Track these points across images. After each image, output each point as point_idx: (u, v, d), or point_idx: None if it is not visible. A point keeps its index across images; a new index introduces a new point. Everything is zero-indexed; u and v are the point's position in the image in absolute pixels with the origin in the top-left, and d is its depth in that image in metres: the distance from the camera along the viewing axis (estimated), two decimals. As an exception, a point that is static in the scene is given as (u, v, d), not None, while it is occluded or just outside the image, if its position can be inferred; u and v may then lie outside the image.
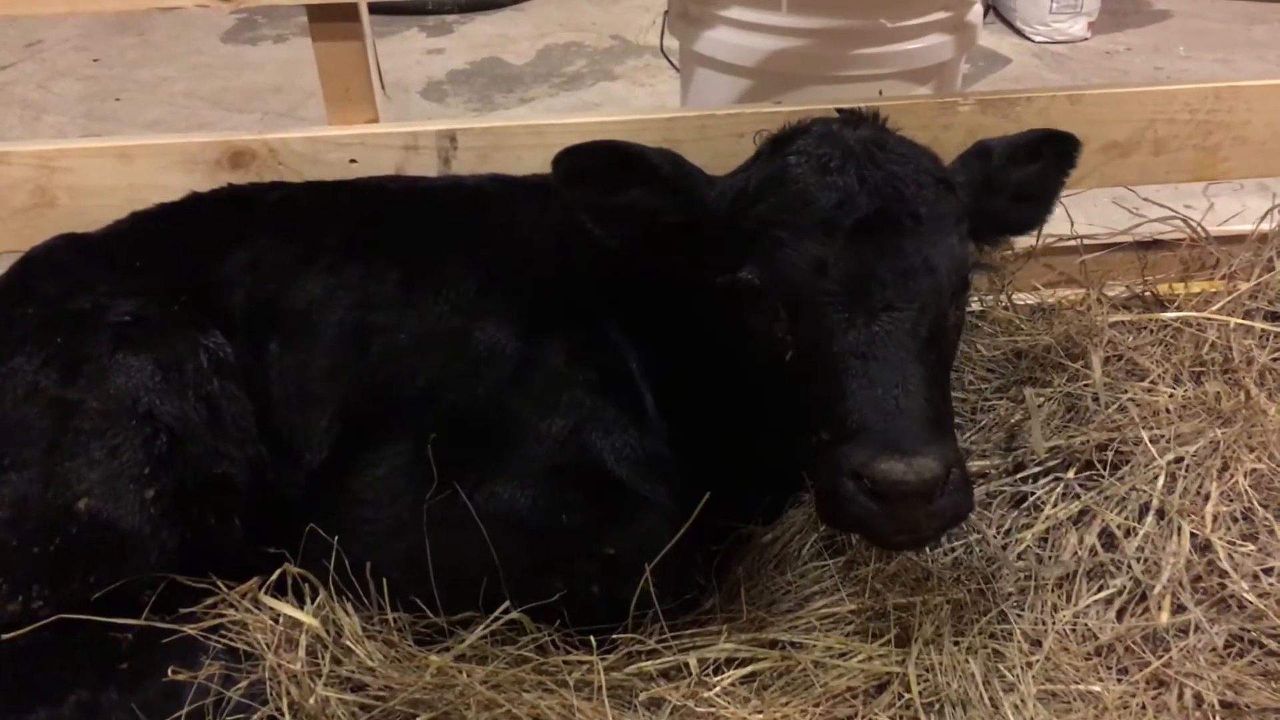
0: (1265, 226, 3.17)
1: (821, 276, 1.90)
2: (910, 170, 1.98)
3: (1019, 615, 2.22)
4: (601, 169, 2.11)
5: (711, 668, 2.12)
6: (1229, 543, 2.27)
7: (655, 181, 2.11)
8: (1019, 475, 2.54)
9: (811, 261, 1.91)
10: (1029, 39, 6.75)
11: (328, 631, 2.09)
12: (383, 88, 3.08)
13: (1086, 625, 2.21)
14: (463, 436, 2.22)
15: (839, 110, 2.22)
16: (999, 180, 2.21)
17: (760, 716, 1.96)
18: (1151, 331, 2.91)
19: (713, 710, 2.00)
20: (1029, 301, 3.11)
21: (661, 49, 4.36)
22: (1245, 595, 2.19)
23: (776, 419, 2.07)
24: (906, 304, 1.88)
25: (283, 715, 1.98)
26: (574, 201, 2.13)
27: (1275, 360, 2.74)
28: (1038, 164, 2.26)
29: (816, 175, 1.98)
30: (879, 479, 1.74)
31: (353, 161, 2.90)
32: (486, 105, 6.09)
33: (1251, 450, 2.43)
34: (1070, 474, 2.49)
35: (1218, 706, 2.02)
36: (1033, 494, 2.49)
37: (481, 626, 2.13)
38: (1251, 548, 2.27)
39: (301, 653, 2.05)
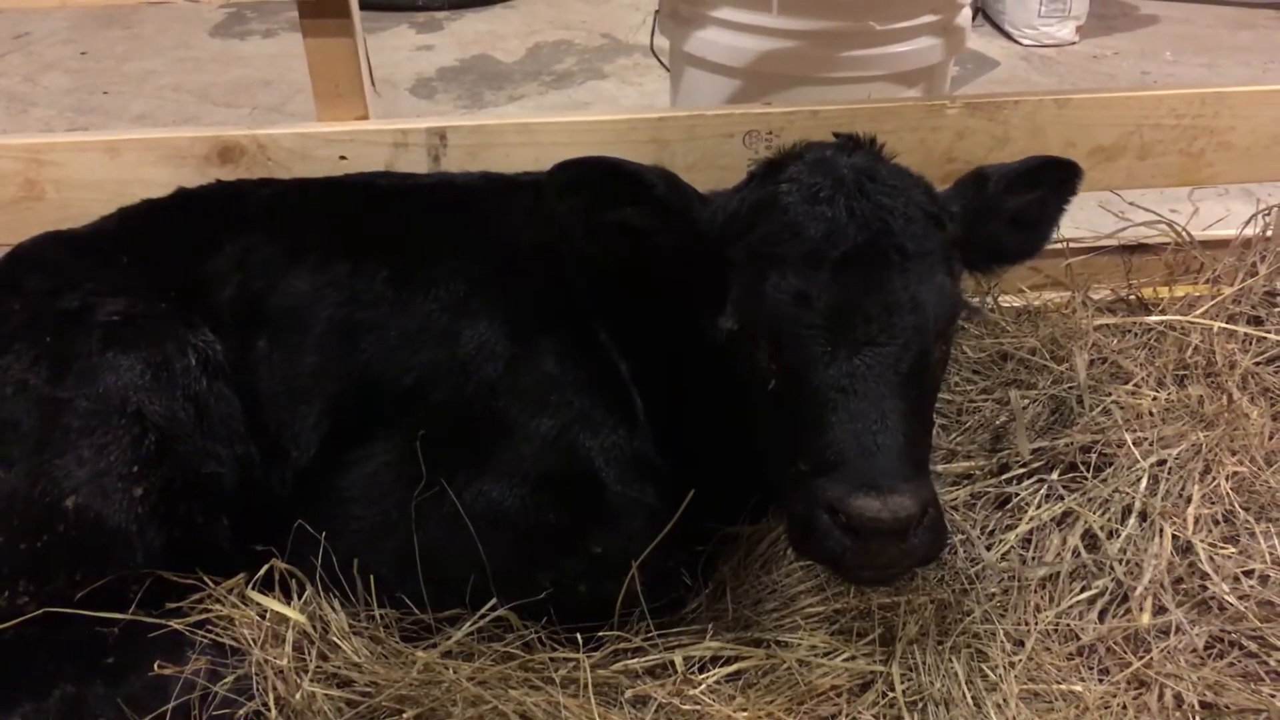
0: (1249, 231, 3.20)
1: (805, 309, 1.90)
2: (900, 203, 1.97)
3: (1002, 615, 2.24)
4: (595, 184, 2.08)
5: (697, 666, 2.13)
6: (1210, 545, 2.30)
7: (648, 201, 2.09)
8: (1003, 476, 2.56)
9: (795, 293, 1.91)
10: (1017, 42, 6.77)
11: (314, 627, 2.10)
12: (373, 84, 3.08)
13: (1069, 626, 2.22)
14: (451, 435, 2.22)
15: (835, 135, 2.20)
16: (995, 208, 2.17)
17: (745, 714, 1.97)
18: (1136, 335, 2.93)
19: (698, 708, 2.01)
20: (1015, 304, 3.13)
21: (652, 49, 4.37)
22: (1226, 597, 2.21)
23: (758, 443, 2.08)
24: (890, 339, 1.87)
25: (269, 710, 1.98)
26: (565, 215, 2.11)
27: (1258, 364, 2.76)
28: (1037, 191, 2.21)
29: (805, 205, 1.97)
30: (854, 515, 1.75)
31: (342, 158, 2.90)
32: (476, 102, 6.08)
33: (1233, 453, 2.46)
34: (1054, 476, 2.51)
35: (1198, 707, 2.03)
36: (1016, 495, 2.51)
37: (468, 624, 2.13)
38: (1232, 550, 2.30)
39: (288, 648, 2.05)
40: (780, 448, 1.95)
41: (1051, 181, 2.22)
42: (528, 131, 2.97)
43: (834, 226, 1.93)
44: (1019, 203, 2.19)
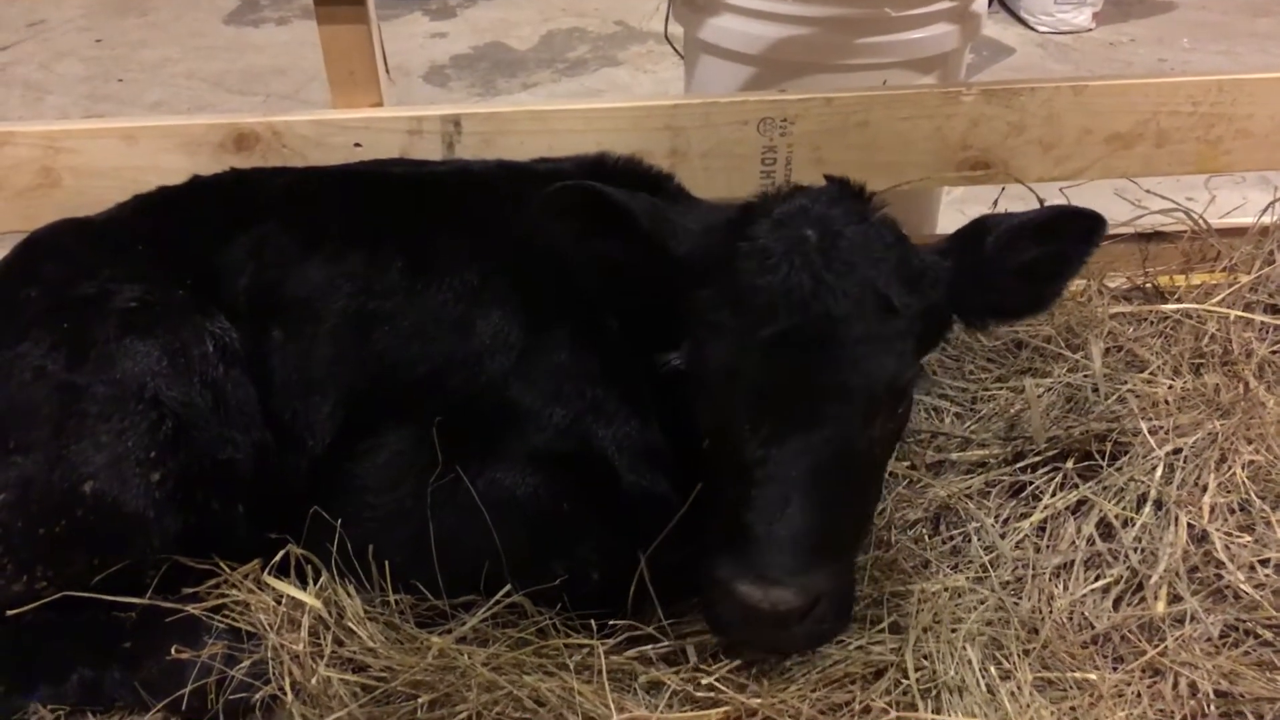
0: (1266, 219, 3.18)
1: (732, 383, 1.89)
2: (851, 283, 1.87)
3: (1016, 603, 2.24)
4: (584, 211, 2.06)
5: (710, 653, 2.13)
6: (1226, 534, 2.29)
7: (631, 233, 2.06)
8: (1018, 465, 2.56)
9: (725, 365, 1.90)
10: (1033, 29, 6.74)
11: (330, 613, 2.11)
12: (387, 71, 3.08)
13: (1083, 614, 2.22)
14: (465, 424, 2.23)
15: (827, 178, 2.11)
16: (994, 263, 2.03)
17: (758, 701, 1.97)
18: (1152, 323, 2.93)
19: (712, 695, 2.01)
20: (1030, 292, 3.11)
21: (666, 36, 4.35)
22: (1241, 586, 2.21)
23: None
24: (812, 427, 1.85)
25: (285, 694, 2.00)
26: (556, 238, 2.11)
27: (1274, 353, 2.75)
28: (1051, 244, 2.03)
29: (752, 275, 1.91)
30: (736, 600, 1.83)
31: (357, 145, 2.90)
32: (489, 90, 6.08)
33: (1250, 442, 2.45)
34: (1069, 464, 2.51)
35: (1212, 695, 2.03)
36: (1031, 483, 2.51)
37: (483, 610, 2.14)
38: (1248, 539, 2.29)
39: (304, 633, 2.07)
40: (709, 504, 2.01)
41: (1069, 234, 2.05)
42: (542, 119, 2.97)
43: (773, 302, 1.87)
44: (1027, 257, 2.04)
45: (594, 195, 2.05)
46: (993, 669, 2.06)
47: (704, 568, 1.95)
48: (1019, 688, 2.02)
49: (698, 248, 2.05)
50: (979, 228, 2.06)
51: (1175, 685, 2.06)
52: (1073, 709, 2.00)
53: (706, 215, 2.21)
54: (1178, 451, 2.44)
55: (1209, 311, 2.88)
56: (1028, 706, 1.99)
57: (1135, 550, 2.30)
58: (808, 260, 1.89)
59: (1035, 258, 2.04)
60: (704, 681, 2.02)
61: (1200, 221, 3.20)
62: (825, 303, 1.86)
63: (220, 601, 2.11)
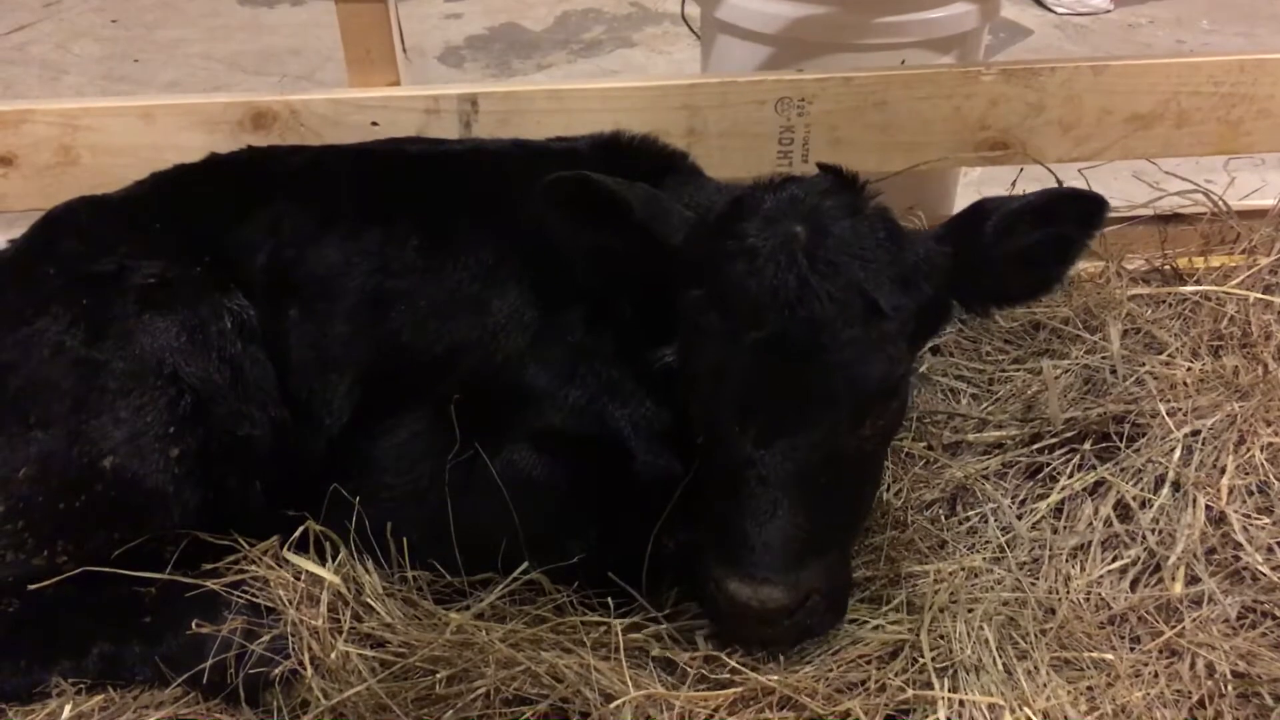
0: (1286, 202, 3.16)
1: (719, 384, 1.90)
2: (838, 285, 1.84)
3: (1033, 584, 2.24)
4: (581, 201, 2.04)
5: (725, 634, 2.13)
6: (1244, 515, 2.28)
7: (628, 223, 2.03)
8: (1035, 446, 2.56)
9: (713, 366, 1.91)
10: (1051, 10, 6.69)
11: (349, 589, 2.12)
12: (404, 50, 3.07)
13: (1100, 595, 2.22)
14: (481, 404, 2.23)
15: (820, 166, 2.06)
16: (994, 252, 1.98)
17: (775, 679, 1.98)
18: (1170, 305, 2.91)
19: (728, 675, 2.01)
20: (1048, 273, 3.10)
21: (683, 16, 4.35)
22: (1259, 568, 2.20)
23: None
24: (798, 429, 1.86)
25: (304, 669, 2.01)
26: (554, 228, 2.09)
27: (1294, 335, 2.73)
28: (1051, 227, 1.98)
29: (738, 277, 1.88)
30: (726, 597, 1.88)
31: (374, 124, 2.90)
32: (504, 71, 6.07)
33: (1268, 424, 2.44)
34: (1086, 445, 2.51)
35: (1229, 676, 2.02)
36: (1049, 465, 2.51)
37: (500, 587, 2.15)
38: (1266, 521, 2.28)
39: (323, 609, 2.07)
40: (706, 497, 2.04)
41: (1070, 217, 1.99)
42: (559, 98, 2.96)
43: (759, 305, 1.85)
44: (1028, 241, 1.99)
45: (589, 185, 2.03)
46: (1009, 648, 2.06)
47: (699, 562, 1.99)
48: (1036, 667, 2.02)
49: (690, 241, 2.03)
50: (978, 212, 2.01)
51: (1192, 666, 2.06)
52: (1090, 689, 2.00)
53: (709, 198, 2.21)
54: (1196, 433, 2.43)
55: (1228, 294, 2.87)
56: (1044, 686, 1.99)
57: (1153, 531, 2.29)
58: (794, 261, 1.85)
59: (1036, 242, 1.99)
60: (719, 660, 2.03)
61: (1220, 203, 3.18)
62: (811, 307, 1.83)
63: (240, 577, 2.12)
